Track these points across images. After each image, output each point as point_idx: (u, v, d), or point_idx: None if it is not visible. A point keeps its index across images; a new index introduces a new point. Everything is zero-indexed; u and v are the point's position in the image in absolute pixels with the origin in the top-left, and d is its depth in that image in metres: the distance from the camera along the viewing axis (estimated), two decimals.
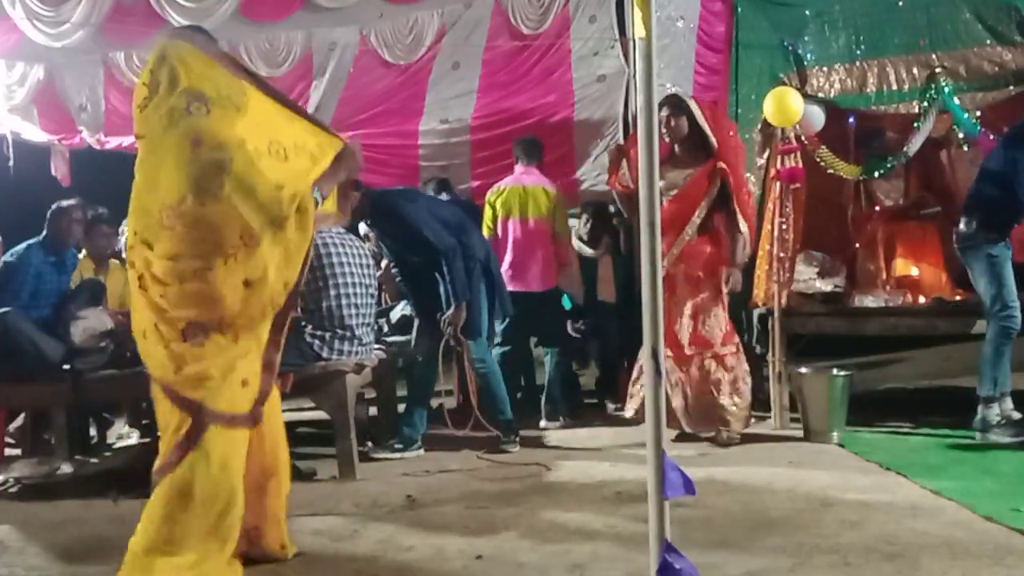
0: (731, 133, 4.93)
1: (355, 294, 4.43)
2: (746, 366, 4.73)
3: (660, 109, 4.47)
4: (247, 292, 2.60)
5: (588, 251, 6.18)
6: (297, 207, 2.68)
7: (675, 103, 4.73)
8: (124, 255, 5.74)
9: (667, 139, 4.67)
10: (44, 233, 5.01)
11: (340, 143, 2.85)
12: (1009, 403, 4.49)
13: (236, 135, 2.57)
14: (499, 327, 5.45)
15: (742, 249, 4.69)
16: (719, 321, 4.67)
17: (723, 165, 4.64)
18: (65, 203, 5.09)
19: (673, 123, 4.66)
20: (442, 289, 4.75)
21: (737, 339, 4.76)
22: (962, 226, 4.55)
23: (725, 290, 4.70)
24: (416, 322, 5.13)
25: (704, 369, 4.64)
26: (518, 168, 5.70)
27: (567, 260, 5.76)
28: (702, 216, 4.64)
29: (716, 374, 4.62)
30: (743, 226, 4.66)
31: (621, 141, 5.97)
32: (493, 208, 5.63)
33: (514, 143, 5.86)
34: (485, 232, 5.52)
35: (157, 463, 2.68)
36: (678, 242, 4.63)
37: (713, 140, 4.67)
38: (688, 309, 4.67)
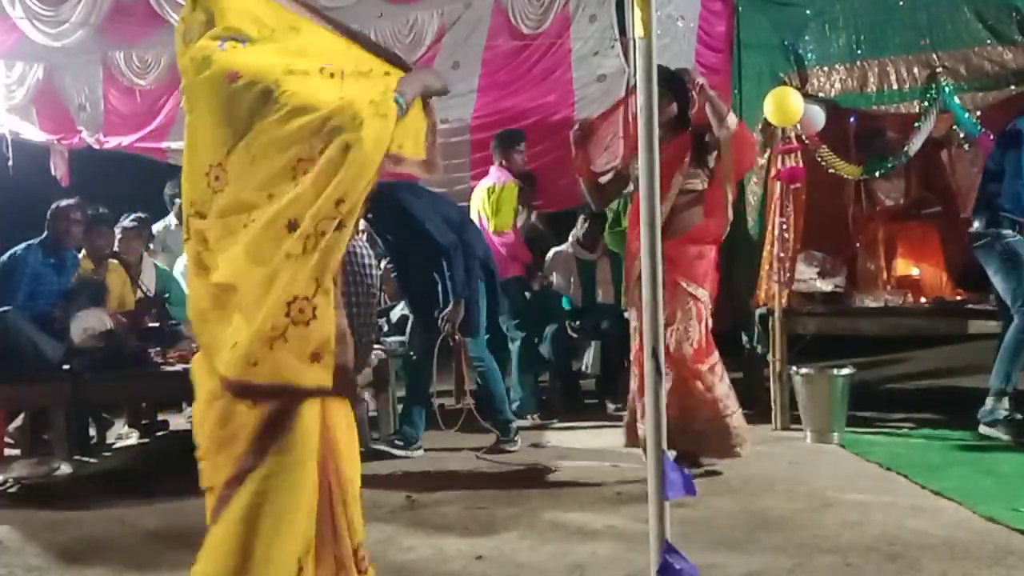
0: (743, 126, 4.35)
1: (355, 292, 4.42)
2: (727, 385, 4.10)
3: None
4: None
5: (586, 254, 6.17)
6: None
7: (667, 82, 3.84)
8: (124, 255, 5.76)
9: None
10: (44, 234, 5.00)
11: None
12: (1005, 402, 4.50)
13: (280, 61, 2.10)
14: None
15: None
16: (691, 334, 3.96)
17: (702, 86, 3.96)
18: (64, 203, 5.07)
19: (663, 106, 3.83)
20: (440, 286, 4.75)
21: (715, 355, 4.09)
22: (974, 226, 4.60)
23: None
24: (411, 319, 5.13)
25: (680, 389, 3.93)
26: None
27: (513, 253, 5.84)
28: (672, 197, 3.90)
29: (691, 396, 3.95)
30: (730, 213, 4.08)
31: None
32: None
33: None
34: None
35: (222, 476, 2.06)
36: None
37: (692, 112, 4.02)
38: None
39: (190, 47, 2.17)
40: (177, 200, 6.51)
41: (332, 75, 2.09)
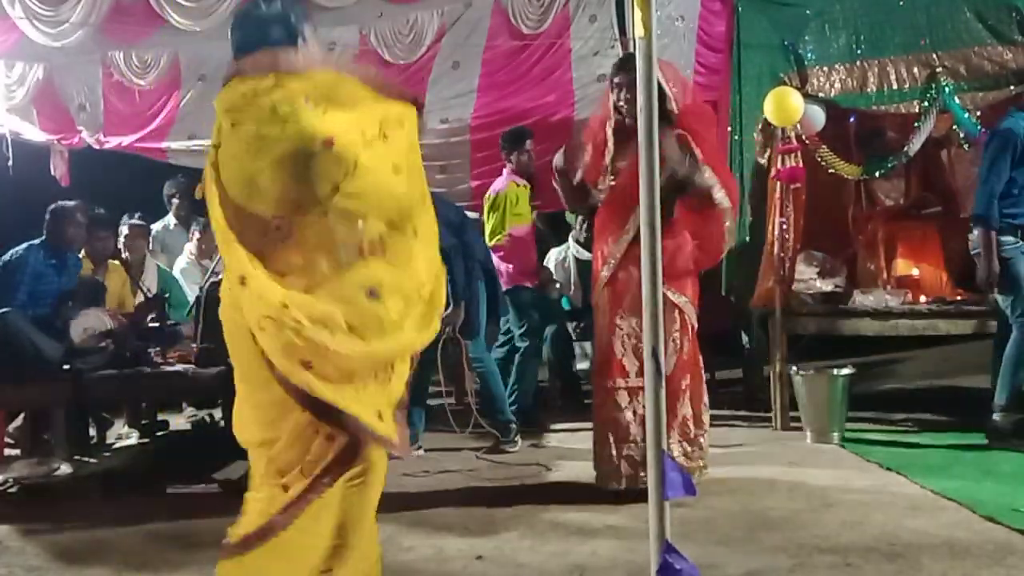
0: (691, 89, 4.19)
1: None
2: (705, 400, 3.90)
3: (616, 75, 3.79)
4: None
5: (586, 254, 6.16)
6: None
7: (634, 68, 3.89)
8: (124, 254, 5.76)
9: (626, 110, 3.69)
10: (45, 234, 4.98)
11: (411, 106, 2.32)
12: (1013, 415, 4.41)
13: (356, 135, 2.15)
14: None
15: (728, 228, 3.87)
16: (672, 343, 3.67)
17: (683, 132, 3.71)
18: (67, 204, 5.04)
19: (634, 92, 3.38)
20: None
21: (700, 367, 3.91)
22: (973, 233, 4.50)
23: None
24: None
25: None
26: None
27: (506, 258, 5.61)
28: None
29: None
30: (719, 194, 3.74)
31: None
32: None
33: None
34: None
35: (248, 528, 2.11)
36: (622, 238, 3.74)
37: (674, 104, 3.71)
38: (635, 327, 3.63)
39: (253, 95, 2.11)
40: (176, 200, 6.51)
41: (379, 136, 2.15)
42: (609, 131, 3.82)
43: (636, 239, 3.46)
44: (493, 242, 5.43)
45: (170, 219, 6.58)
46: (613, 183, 3.79)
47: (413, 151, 2.27)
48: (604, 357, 3.82)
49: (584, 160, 3.92)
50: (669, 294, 3.62)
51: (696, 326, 3.84)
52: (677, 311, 3.75)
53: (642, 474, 3.41)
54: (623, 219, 3.71)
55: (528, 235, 5.58)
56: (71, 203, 5.07)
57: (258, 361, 2.07)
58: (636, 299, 3.44)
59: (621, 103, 3.72)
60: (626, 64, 3.69)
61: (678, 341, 3.74)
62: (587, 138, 3.95)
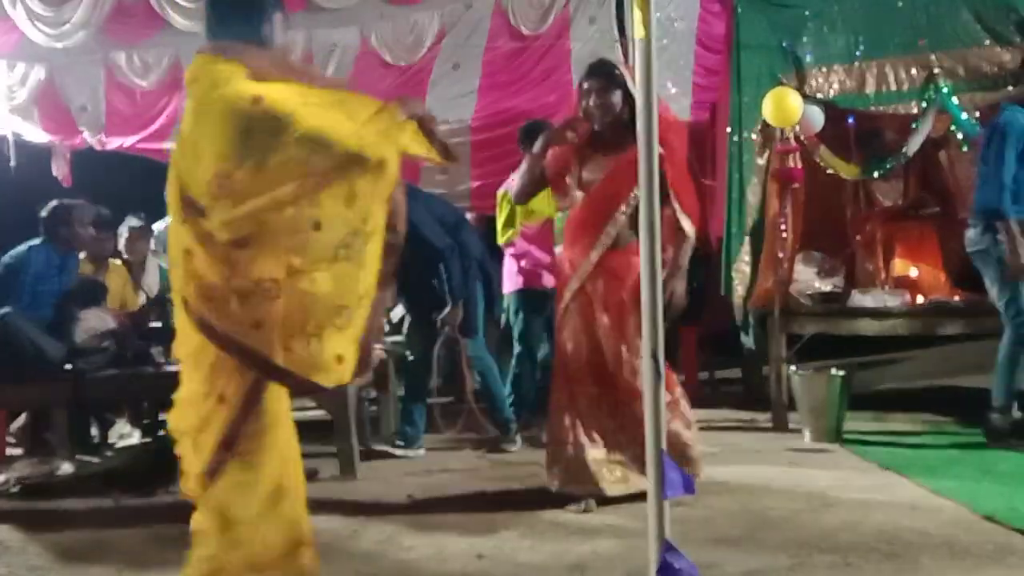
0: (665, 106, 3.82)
1: None
2: (689, 417, 3.67)
3: (586, 80, 3.67)
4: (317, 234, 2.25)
5: None
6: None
7: (608, 73, 3.65)
8: (129, 256, 5.77)
9: (596, 117, 3.62)
10: (45, 235, 4.97)
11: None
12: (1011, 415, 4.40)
13: (298, 95, 2.30)
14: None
15: (685, 253, 3.65)
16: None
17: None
18: (71, 205, 5.00)
19: (604, 98, 3.59)
20: (437, 288, 4.75)
21: (678, 387, 3.70)
22: (969, 232, 4.51)
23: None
24: (407, 320, 5.14)
25: (628, 423, 3.51)
26: None
27: (517, 256, 5.45)
28: (628, 213, 3.54)
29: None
30: (685, 223, 3.60)
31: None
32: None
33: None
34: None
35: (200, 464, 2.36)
36: (596, 247, 3.59)
37: None
38: (608, 342, 3.57)
39: (206, 67, 2.34)
40: None
41: (345, 112, 2.27)
42: (572, 138, 3.65)
43: (612, 248, 3.58)
44: (504, 239, 5.32)
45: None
46: (585, 191, 3.64)
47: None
48: (581, 363, 3.62)
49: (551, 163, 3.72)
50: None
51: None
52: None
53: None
54: (597, 230, 3.60)
55: (539, 233, 5.31)
56: (74, 202, 5.06)
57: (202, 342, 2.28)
58: (605, 308, 3.55)
59: (591, 108, 3.62)
60: (596, 69, 3.68)
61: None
62: (552, 144, 3.73)
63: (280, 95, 2.25)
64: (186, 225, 2.30)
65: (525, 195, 3.95)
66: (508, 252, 5.34)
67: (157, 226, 6.49)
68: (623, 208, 3.57)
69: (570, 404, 3.62)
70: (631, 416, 3.43)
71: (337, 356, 2.28)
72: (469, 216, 5.94)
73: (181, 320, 2.34)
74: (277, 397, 2.37)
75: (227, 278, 2.23)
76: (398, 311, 5.84)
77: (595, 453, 3.57)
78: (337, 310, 2.27)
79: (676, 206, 3.58)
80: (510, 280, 5.28)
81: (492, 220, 6.52)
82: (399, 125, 2.32)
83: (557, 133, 3.73)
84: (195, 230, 2.27)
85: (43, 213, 4.94)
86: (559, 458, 3.62)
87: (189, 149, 2.34)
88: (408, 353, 5.01)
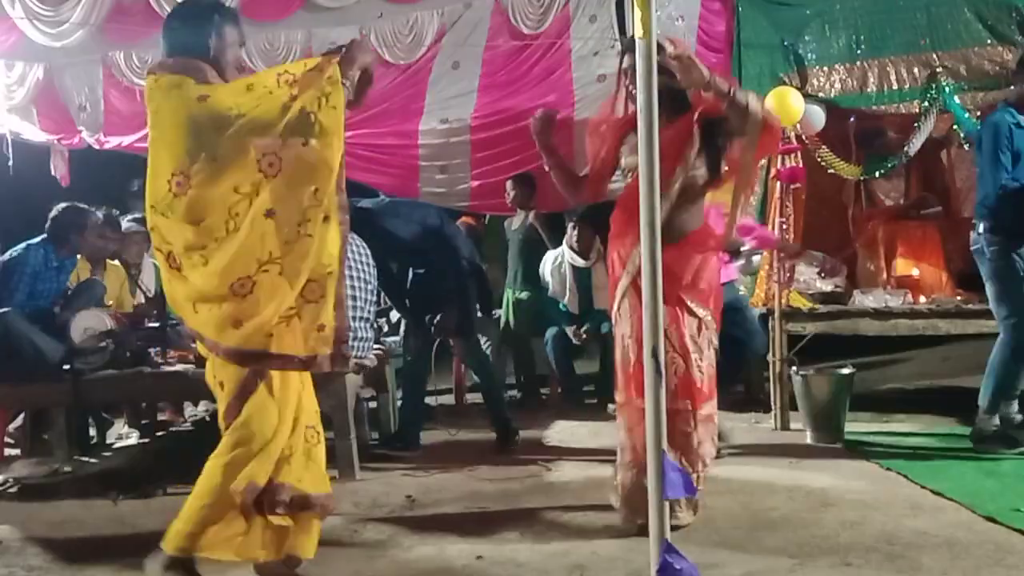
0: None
1: (354, 287, 4.42)
2: (714, 434, 3.38)
3: (627, 57, 3.20)
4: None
5: (580, 261, 6.14)
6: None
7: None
8: (125, 256, 5.75)
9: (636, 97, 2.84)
10: (45, 235, 4.94)
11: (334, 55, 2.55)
12: (1014, 406, 4.34)
13: (240, 85, 2.55)
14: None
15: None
16: (698, 366, 3.21)
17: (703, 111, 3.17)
18: (89, 215, 4.94)
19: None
20: (430, 289, 4.76)
21: (714, 400, 3.35)
22: (972, 232, 4.49)
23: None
24: (404, 322, 5.15)
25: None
26: None
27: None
28: (676, 191, 3.14)
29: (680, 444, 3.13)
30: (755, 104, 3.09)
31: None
32: None
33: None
34: None
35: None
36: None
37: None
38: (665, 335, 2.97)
39: (160, 78, 2.56)
40: None
41: (288, 82, 2.45)
42: (619, 117, 3.32)
43: (665, 242, 2.79)
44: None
45: None
46: (630, 181, 3.32)
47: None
48: (629, 371, 3.23)
49: (594, 152, 3.48)
50: (695, 308, 3.23)
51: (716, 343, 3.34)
52: (702, 326, 3.27)
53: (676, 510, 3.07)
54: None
55: None
56: (88, 210, 4.98)
57: None
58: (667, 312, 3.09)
59: (634, 89, 3.00)
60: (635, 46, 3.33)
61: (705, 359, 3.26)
62: (592, 130, 3.53)
63: (224, 91, 2.48)
64: (173, 282, 2.58)
65: (570, 193, 3.58)
66: None
67: None
68: (667, 192, 3.02)
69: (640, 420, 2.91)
70: (671, 433, 2.67)
71: (318, 325, 2.50)
72: (460, 224, 6.01)
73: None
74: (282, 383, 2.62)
75: (215, 294, 2.47)
76: (397, 312, 5.84)
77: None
78: (308, 286, 2.47)
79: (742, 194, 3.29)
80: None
81: (479, 231, 6.63)
82: (330, 79, 2.45)
83: (539, 122, 3.46)
84: (182, 286, 2.55)
85: (53, 214, 4.87)
86: (637, 489, 3.05)
87: (151, 168, 2.55)
88: (407, 355, 5.02)
